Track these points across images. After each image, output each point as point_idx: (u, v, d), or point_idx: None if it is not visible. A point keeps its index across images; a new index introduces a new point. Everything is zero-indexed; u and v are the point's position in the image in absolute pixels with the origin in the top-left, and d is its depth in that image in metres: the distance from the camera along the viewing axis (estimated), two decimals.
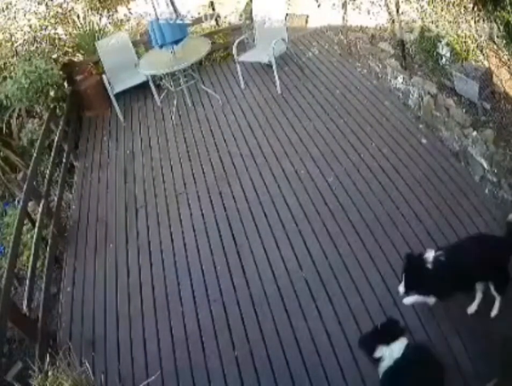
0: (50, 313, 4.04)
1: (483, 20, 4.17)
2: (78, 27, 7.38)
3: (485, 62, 4.25)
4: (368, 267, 3.61)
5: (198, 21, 7.40)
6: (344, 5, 6.33)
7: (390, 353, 2.54)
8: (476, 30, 4.24)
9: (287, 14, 7.07)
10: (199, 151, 5.41)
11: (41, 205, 4.59)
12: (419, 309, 3.18)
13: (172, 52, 5.67)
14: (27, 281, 3.87)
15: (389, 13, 5.69)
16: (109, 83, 6.20)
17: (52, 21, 7.43)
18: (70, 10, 7.71)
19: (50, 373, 2.77)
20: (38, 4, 7.48)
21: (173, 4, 5.41)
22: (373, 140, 4.84)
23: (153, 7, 5.28)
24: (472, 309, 3.09)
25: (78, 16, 7.56)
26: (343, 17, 6.45)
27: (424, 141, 4.69)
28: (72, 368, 2.83)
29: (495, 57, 4.12)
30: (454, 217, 3.83)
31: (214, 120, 5.93)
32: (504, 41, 3.97)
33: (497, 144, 3.85)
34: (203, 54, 5.86)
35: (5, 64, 6.24)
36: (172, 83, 6.20)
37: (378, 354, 2.56)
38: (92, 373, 2.93)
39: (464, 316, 3.09)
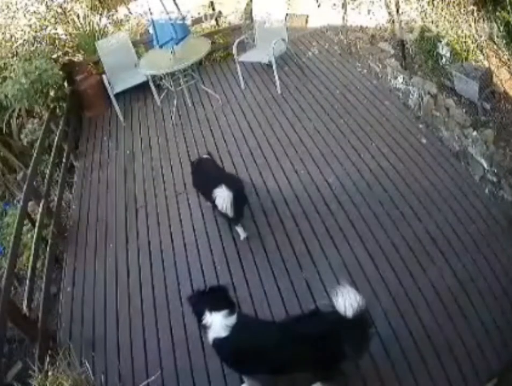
0: (50, 313, 4.04)
1: (483, 20, 4.17)
2: (78, 27, 7.37)
3: (485, 62, 4.25)
4: (368, 266, 3.61)
5: (198, 21, 7.40)
6: (344, 5, 6.33)
7: (213, 323, 2.61)
8: (476, 30, 4.25)
9: (287, 14, 7.07)
10: (199, 151, 5.40)
11: (41, 205, 4.59)
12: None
13: (172, 52, 5.66)
14: (27, 281, 3.87)
15: (389, 13, 5.70)
16: (109, 83, 6.19)
17: (52, 21, 7.43)
18: (69, 10, 7.71)
19: (50, 373, 2.77)
20: (39, 3, 7.48)
21: (175, 3, 5.41)
22: (373, 140, 4.84)
23: (162, 4, 5.28)
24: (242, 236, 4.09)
25: (78, 16, 7.55)
26: (343, 17, 6.46)
27: (424, 141, 4.69)
28: (72, 368, 2.83)
29: (495, 57, 4.12)
30: (454, 217, 3.84)
31: (214, 120, 5.92)
32: (504, 41, 3.98)
33: (497, 144, 3.85)
34: (203, 54, 5.86)
35: (4, 64, 6.23)
36: (171, 83, 6.20)
37: (204, 320, 2.63)
38: (92, 373, 2.94)
39: None
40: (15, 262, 3.91)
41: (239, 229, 4.07)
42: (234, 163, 5.07)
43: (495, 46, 4.10)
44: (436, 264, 3.52)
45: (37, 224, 4.41)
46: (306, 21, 7.83)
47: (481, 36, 4.22)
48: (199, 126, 5.88)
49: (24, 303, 3.66)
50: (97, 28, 7.33)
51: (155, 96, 6.50)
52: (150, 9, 5.48)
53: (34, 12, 7.39)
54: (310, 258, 3.79)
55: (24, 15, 7.28)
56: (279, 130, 5.40)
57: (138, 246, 4.41)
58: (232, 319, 2.63)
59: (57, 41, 7.26)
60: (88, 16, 7.55)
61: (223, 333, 2.59)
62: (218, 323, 2.60)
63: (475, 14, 4.25)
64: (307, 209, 4.23)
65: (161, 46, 5.57)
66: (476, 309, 3.17)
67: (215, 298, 2.73)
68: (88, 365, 2.96)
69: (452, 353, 2.97)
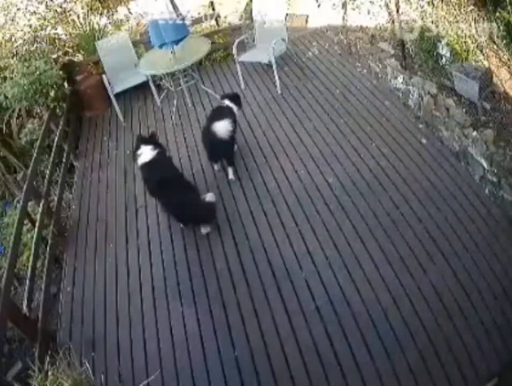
0: (50, 313, 4.04)
1: (483, 20, 4.17)
2: (78, 27, 7.38)
3: (485, 62, 4.25)
4: (368, 266, 3.61)
5: (198, 21, 7.40)
6: (344, 5, 6.33)
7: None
8: (476, 30, 4.24)
9: (287, 14, 7.07)
10: (199, 151, 5.40)
11: (41, 205, 4.59)
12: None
13: (171, 52, 5.66)
14: (27, 281, 3.87)
15: (389, 13, 5.70)
16: (109, 83, 6.19)
17: (52, 21, 7.43)
18: (69, 10, 7.72)
19: (50, 373, 2.77)
20: (39, 3, 7.48)
21: (173, 3, 5.41)
22: (373, 140, 4.84)
23: (154, 7, 5.29)
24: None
25: (78, 16, 7.56)
26: (343, 17, 6.45)
27: (424, 141, 4.69)
28: (72, 368, 2.83)
29: (495, 57, 4.12)
30: (454, 217, 3.84)
31: None
32: (504, 41, 3.98)
33: (497, 144, 3.85)
34: (203, 54, 5.86)
35: (4, 64, 6.22)
36: (172, 83, 6.20)
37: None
38: (92, 373, 2.94)
39: None
40: (15, 262, 3.90)
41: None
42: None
43: (495, 46, 4.10)
44: (436, 264, 3.52)
45: (37, 224, 4.41)
46: (306, 21, 7.83)
47: (481, 36, 4.22)
48: (199, 126, 5.87)
49: (24, 303, 3.66)
50: (97, 28, 7.33)
51: (155, 96, 6.50)
52: (148, 12, 5.47)
53: (34, 12, 7.40)
54: (310, 258, 3.79)
55: (24, 15, 7.29)
56: (279, 130, 5.40)
57: (138, 246, 4.41)
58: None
59: (57, 41, 7.27)
60: (88, 16, 7.55)
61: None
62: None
63: (475, 14, 4.25)
64: (307, 209, 4.23)
65: (161, 47, 5.57)
66: (476, 309, 3.18)
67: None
68: (88, 365, 2.95)
69: (452, 353, 2.97)
